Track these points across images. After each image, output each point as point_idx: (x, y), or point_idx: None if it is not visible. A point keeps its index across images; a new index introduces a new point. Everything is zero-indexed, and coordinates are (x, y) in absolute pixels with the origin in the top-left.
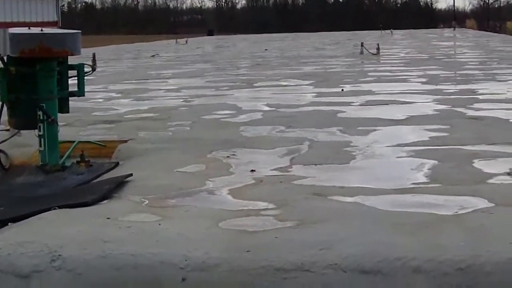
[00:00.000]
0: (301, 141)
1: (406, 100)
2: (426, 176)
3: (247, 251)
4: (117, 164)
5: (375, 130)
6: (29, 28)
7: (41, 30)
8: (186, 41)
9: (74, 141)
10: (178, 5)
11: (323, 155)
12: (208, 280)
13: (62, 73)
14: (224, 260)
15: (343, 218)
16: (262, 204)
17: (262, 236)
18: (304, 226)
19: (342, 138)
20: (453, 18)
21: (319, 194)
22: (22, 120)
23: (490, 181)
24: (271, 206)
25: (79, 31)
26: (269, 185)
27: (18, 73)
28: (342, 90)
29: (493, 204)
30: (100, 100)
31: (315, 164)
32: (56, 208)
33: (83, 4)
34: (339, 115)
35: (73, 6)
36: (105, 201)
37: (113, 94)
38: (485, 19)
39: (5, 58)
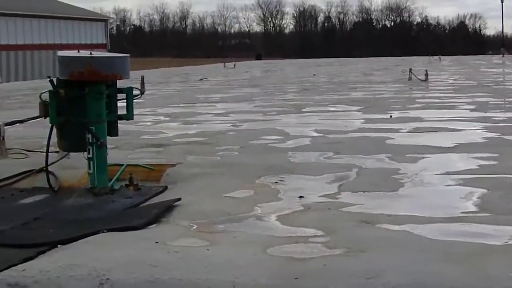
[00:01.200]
0: (349, 167)
1: (455, 128)
2: (475, 205)
3: (295, 279)
4: (165, 188)
5: (423, 157)
6: (78, 51)
7: (90, 54)
8: (234, 65)
9: (122, 164)
10: (226, 29)
11: (371, 182)
12: None
13: (111, 96)
14: (272, 287)
15: (391, 247)
16: (310, 231)
17: (310, 264)
18: (352, 254)
19: (390, 165)
20: (501, 45)
21: (367, 222)
22: (71, 142)
23: None
24: (319, 233)
25: (128, 55)
26: (318, 211)
27: (67, 95)
28: (391, 116)
29: None
30: (149, 123)
31: (364, 191)
32: (105, 231)
33: (132, 27)
34: (387, 141)
35: (122, 28)
36: (154, 225)
37: (162, 118)
38: None
39: (54, 80)
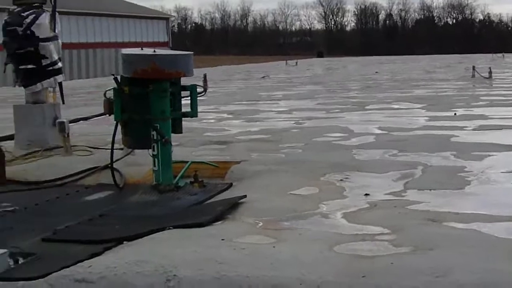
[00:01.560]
0: (414, 165)
1: None
2: None
3: (363, 276)
4: (230, 185)
5: (489, 155)
6: (142, 49)
7: (154, 51)
8: (296, 63)
9: (187, 161)
10: (288, 27)
11: (437, 180)
12: None
13: (174, 94)
14: (339, 284)
15: (458, 245)
16: (376, 229)
17: (377, 262)
18: (419, 252)
19: (456, 163)
20: None
21: (434, 220)
22: (136, 139)
23: None
24: (386, 231)
25: (191, 52)
26: (384, 209)
27: (131, 93)
28: (455, 114)
29: None
30: (212, 120)
31: (429, 189)
32: (171, 228)
33: (193, 25)
34: (452, 139)
35: (183, 27)
36: (219, 222)
37: (225, 115)
38: None
39: (118, 78)
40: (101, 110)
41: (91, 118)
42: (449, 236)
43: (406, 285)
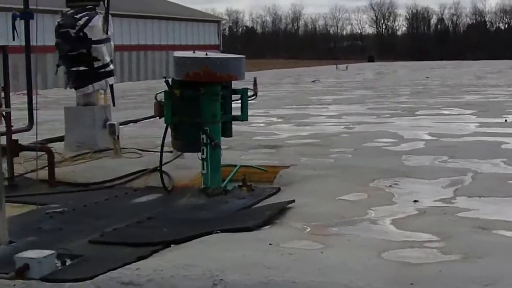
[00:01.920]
0: (464, 172)
1: None
2: None
3: (411, 284)
4: (278, 189)
5: None
6: (194, 52)
7: (206, 54)
8: (347, 67)
9: (236, 165)
10: (339, 31)
11: (487, 187)
12: None
13: (225, 97)
14: None
15: (508, 253)
16: (425, 236)
17: (426, 269)
18: (469, 260)
19: (506, 170)
20: None
21: (484, 228)
22: (185, 142)
23: None
24: (434, 238)
25: (243, 56)
26: (433, 216)
27: (182, 96)
28: (506, 120)
29: None
30: (262, 124)
31: (479, 196)
32: (218, 231)
33: (244, 28)
34: (503, 146)
35: (234, 30)
36: (267, 227)
37: (274, 119)
38: None
39: (169, 81)
40: (151, 112)
41: (141, 120)
42: (499, 244)
43: None
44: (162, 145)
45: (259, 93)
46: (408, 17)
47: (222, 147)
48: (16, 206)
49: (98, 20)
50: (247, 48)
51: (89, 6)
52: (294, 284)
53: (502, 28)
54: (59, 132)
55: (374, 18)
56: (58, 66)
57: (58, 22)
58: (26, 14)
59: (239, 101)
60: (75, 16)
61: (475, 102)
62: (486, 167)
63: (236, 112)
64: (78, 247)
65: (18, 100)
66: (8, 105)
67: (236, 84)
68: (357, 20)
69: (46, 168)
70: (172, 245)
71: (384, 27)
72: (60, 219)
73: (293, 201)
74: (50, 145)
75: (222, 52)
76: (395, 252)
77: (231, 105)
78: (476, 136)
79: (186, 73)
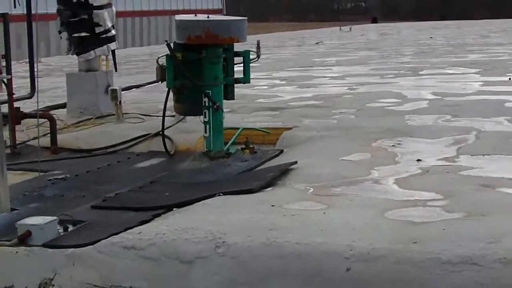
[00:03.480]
0: (468, 130)
1: None
2: None
3: (414, 243)
4: (281, 151)
5: None
6: (196, 15)
7: (208, 17)
8: (350, 29)
9: (238, 128)
10: None
11: (490, 145)
12: (373, 271)
13: (227, 60)
14: (390, 251)
15: None
16: (428, 195)
17: (429, 228)
18: (472, 218)
19: (510, 128)
20: None
21: (487, 186)
22: (187, 106)
23: None
24: (438, 197)
25: (245, 18)
26: (436, 175)
27: (184, 59)
28: (510, 79)
29: None
30: (264, 87)
31: (483, 155)
32: (221, 194)
33: None
34: (506, 104)
35: None
36: (270, 189)
37: (277, 81)
38: None
39: (171, 45)
40: (154, 78)
41: (144, 85)
42: (502, 202)
43: (459, 252)
44: (164, 109)
45: (262, 56)
46: None
47: (224, 110)
48: (18, 173)
49: None
50: (250, 12)
51: None
52: (296, 245)
53: None
54: (61, 99)
55: None
56: (60, 32)
57: None
58: None
59: (242, 64)
60: None
61: (479, 61)
62: (489, 126)
63: (239, 75)
64: (80, 213)
65: (21, 68)
66: (9, 72)
67: (239, 47)
68: None
69: (49, 135)
70: (174, 209)
71: None
72: (62, 186)
73: (296, 162)
74: (52, 112)
75: (226, 15)
76: (398, 211)
77: (233, 68)
78: (480, 95)
79: (188, 36)
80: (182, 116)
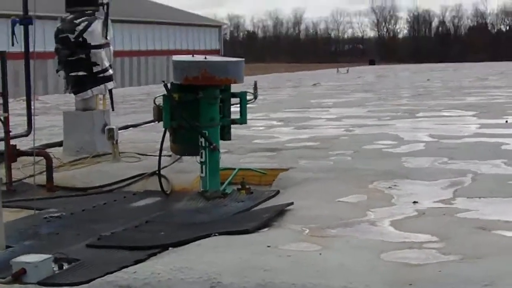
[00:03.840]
0: (464, 173)
1: None
2: None
3: (410, 285)
4: (277, 192)
5: None
6: (193, 56)
7: (205, 58)
8: (347, 70)
9: (235, 168)
10: (340, 34)
11: (487, 188)
12: None
13: (224, 101)
14: None
15: (508, 254)
16: (424, 237)
17: (425, 270)
18: (468, 261)
19: (506, 171)
20: None
21: (483, 228)
22: (184, 146)
23: None
24: (434, 239)
25: (242, 59)
26: (432, 217)
27: (181, 100)
28: (506, 121)
29: None
30: (261, 128)
31: (479, 197)
32: (216, 234)
33: (245, 32)
34: (503, 147)
35: (235, 34)
36: (265, 229)
37: (274, 122)
38: None
39: (168, 85)
40: (151, 117)
41: (141, 125)
42: (498, 245)
43: None
44: (161, 149)
45: (259, 97)
46: (409, 20)
47: (221, 150)
48: (14, 211)
49: (97, 25)
50: (248, 53)
51: (89, 11)
52: (292, 286)
53: (504, 30)
54: (58, 137)
55: (376, 21)
56: (57, 71)
57: (58, 27)
58: (25, 20)
59: (238, 105)
60: (75, 21)
61: (476, 103)
62: (486, 168)
63: (236, 115)
64: (76, 251)
65: (18, 106)
66: (6, 110)
67: (236, 88)
68: (358, 24)
69: (45, 173)
70: (170, 248)
71: (385, 30)
72: (57, 224)
73: (292, 203)
74: (49, 150)
75: (223, 56)
76: (394, 253)
77: (230, 109)
78: (476, 137)
79: (184, 77)
80: (178, 156)
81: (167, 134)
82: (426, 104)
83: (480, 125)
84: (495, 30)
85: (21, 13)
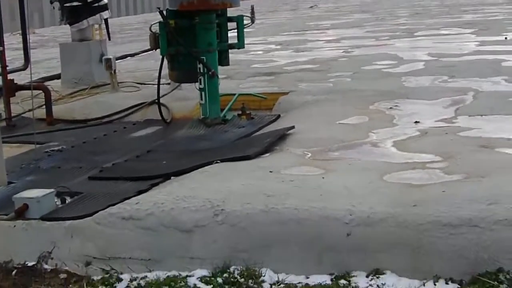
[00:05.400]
0: (465, 91)
1: None
2: None
3: (414, 206)
4: (278, 116)
5: None
6: None
7: None
8: None
9: (234, 94)
10: None
11: (488, 105)
12: (374, 235)
13: (221, 26)
14: (390, 214)
15: (511, 171)
16: (427, 157)
17: (429, 190)
18: (472, 180)
19: (507, 87)
20: None
21: (486, 146)
22: (182, 73)
23: None
24: (437, 158)
25: None
26: (434, 137)
27: (178, 26)
28: (506, 38)
29: None
30: (260, 52)
31: (481, 115)
32: (218, 161)
33: None
34: (503, 64)
35: None
36: (267, 154)
37: (272, 46)
38: None
39: (164, 12)
40: (148, 46)
41: (138, 54)
42: (502, 163)
43: (459, 214)
44: (159, 77)
45: (257, 21)
46: None
47: (219, 76)
48: (15, 146)
49: None
50: None
51: None
52: (295, 211)
53: None
54: (56, 70)
55: None
56: (51, 2)
57: None
58: None
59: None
60: None
61: (475, 21)
62: (487, 86)
63: (233, 40)
64: (78, 184)
65: (15, 40)
66: (1, 44)
67: (232, 12)
68: None
69: (44, 106)
70: (172, 177)
71: None
72: (58, 157)
73: (293, 127)
74: (47, 83)
75: None
76: (397, 174)
77: (227, 33)
78: (476, 55)
79: (180, 2)
80: (177, 84)
81: (165, 62)
82: (424, 23)
83: (480, 42)
84: None
85: None
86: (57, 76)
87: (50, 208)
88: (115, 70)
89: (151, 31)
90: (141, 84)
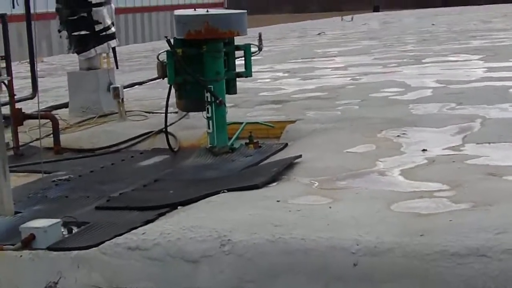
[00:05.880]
0: (473, 118)
1: None
2: None
3: (421, 235)
4: (285, 145)
5: None
6: (195, 10)
7: (207, 11)
8: (352, 18)
9: (242, 122)
10: None
11: (496, 133)
12: (381, 265)
13: (228, 54)
14: (397, 244)
15: None
16: (435, 185)
17: (436, 219)
18: (479, 209)
19: None
20: None
21: (494, 174)
22: (190, 102)
23: None
24: (444, 187)
25: (245, 11)
26: (442, 165)
27: (185, 55)
28: None
29: None
30: (267, 80)
31: (489, 143)
32: (225, 191)
33: None
34: (511, 90)
35: None
36: (274, 184)
37: (280, 74)
38: None
39: (171, 40)
40: (155, 74)
41: (146, 82)
42: (509, 191)
43: (466, 244)
44: (167, 106)
45: (264, 48)
46: None
47: (227, 104)
48: (22, 175)
49: None
50: (252, 4)
51: None
52: (302, 241)
53: None
54: (64, 98)
55: None
56: (59, 31)
57: None
58: None
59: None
60: None
61: (482, 47)
62: (494, 113)
63: (241, 69)
64: (85, 214)
65: (23, 68)
66: (9, 73)
67: (240, 40)
68: None
69: (51, 135)
70: (179, 207)
71: None
72: (66, 187)
73: (300, 156)
74: (55, 112)
75: (226, 9)
76: (404, 203)
77: (234, 62)
78: (484, 82)
79: (187, 31)
80: (185, 113)
81: (173, 91)
82: (431, 50)
83: (487, 68)
84: None
85: None
86: (65, 105)
87: (56, 238)
88: (122, 99)
89: (158, 60)
90: (148, 112)
